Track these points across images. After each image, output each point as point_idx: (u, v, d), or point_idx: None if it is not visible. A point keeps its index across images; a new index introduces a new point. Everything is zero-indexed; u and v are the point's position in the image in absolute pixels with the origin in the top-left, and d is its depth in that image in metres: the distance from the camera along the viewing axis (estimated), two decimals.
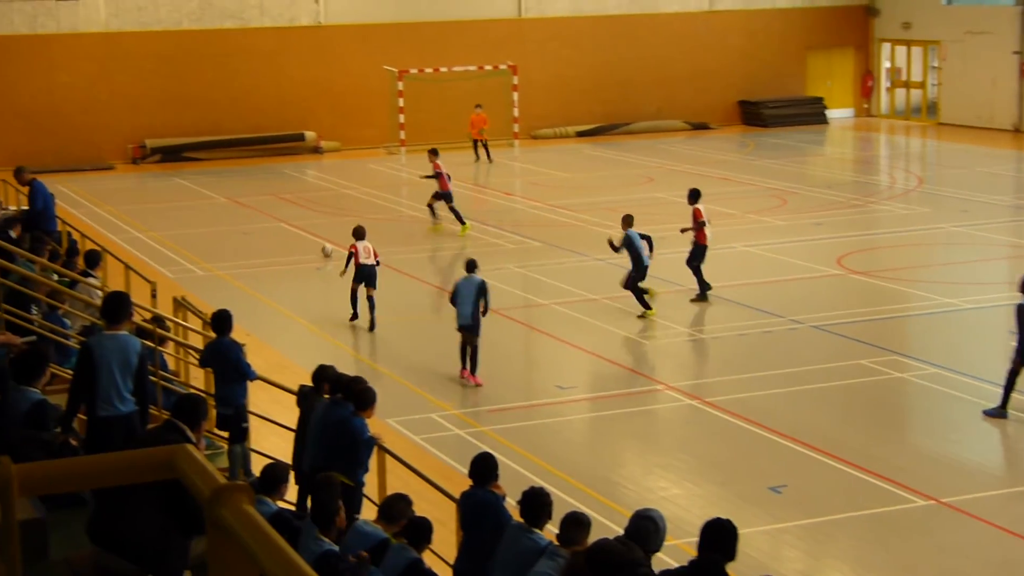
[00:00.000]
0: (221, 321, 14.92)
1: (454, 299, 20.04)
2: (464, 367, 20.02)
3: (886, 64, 52.36)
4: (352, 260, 23.04)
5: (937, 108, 49.93)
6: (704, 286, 24.19)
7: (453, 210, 30.60)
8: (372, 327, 22.92)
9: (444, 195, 30.65)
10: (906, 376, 19.86)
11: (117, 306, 11.22)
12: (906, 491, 15.45)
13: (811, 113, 50.58)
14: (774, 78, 50.89)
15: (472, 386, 19.75)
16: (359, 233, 23.37)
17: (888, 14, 51.35)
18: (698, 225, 24.10)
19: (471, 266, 20.25)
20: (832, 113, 51.25)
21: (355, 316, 23.36)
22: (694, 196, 24.50)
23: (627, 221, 23.38)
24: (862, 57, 52.38)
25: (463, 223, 30.57)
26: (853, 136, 48.50)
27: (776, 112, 49.93)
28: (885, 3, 51.46)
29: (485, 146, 42.42)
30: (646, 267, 22.98)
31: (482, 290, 19.85)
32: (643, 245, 23.12)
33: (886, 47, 52.06)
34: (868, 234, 30.78)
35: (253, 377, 14.91)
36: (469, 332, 19.85)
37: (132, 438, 10.49)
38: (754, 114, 50.24)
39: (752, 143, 45.98)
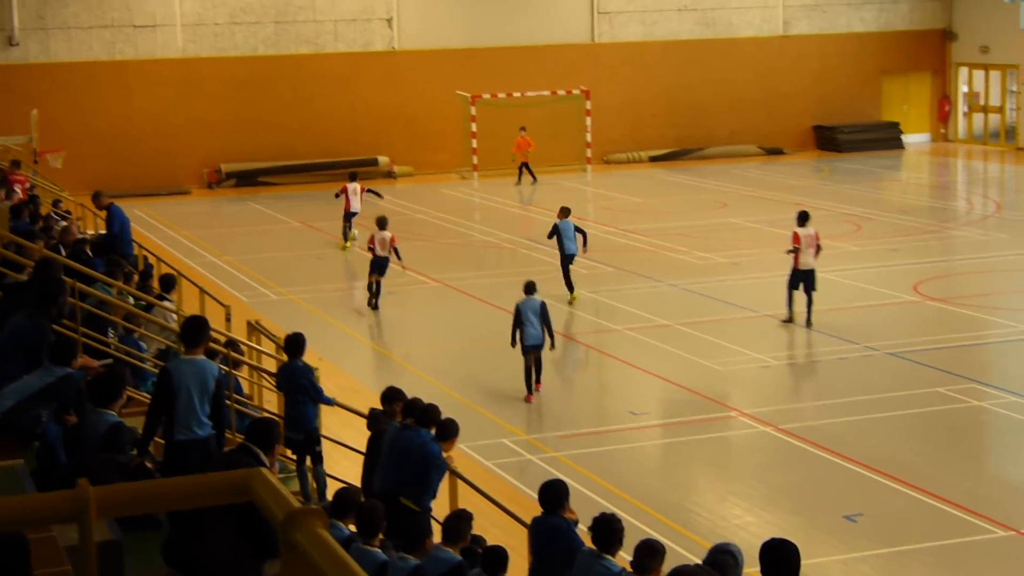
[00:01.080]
0: (293, 344, 14.97)
1: (517, 320, 20.37)
2: (530, 392, 20.29)
3: (963, 88, 51.88)
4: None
5: (1016, 133, 49.40)
6: (791, 311, 24.17)
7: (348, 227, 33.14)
8: (376, 307, 25.96)
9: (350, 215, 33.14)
10: (984, 404, 19.61)
11: (196, 330, 11.30)
12: (985, 521, 15.23)
13: (887, 138, 50.21)
14: (849, 103, 50.60)
15: (535, 395, 20.28)
16: (381, 223, 25.98)
17: (966, 38, 50.91)
18: (791, 250, 24.13)
19: (530, 288, 20.75)
20: (908, 138, 50.85)
21: (374, 304, 26.02)
22: (800, 219, 24.41)
23: (563, 212, 26.06)
24: (939, 81, 51.96)
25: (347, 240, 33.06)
26: (929, 161, 48.07)
27: (851, 137, 49.61)
28: (963, 27, 51.04)
29: (529, 168, 42.57)
30: (570, 255, 25.66)
31: (544, 310, 20.28)
32: (575, 236, 25.91)
33: (963, 71, 51.61)
34: (945, 260, 30.46)
35: (326, 401, 14.94)
36: (538, 351, 20.25)
37: (208, 461, 10.55)
38: (829, 139, 49.95)
39: (827, 168, 45.70)
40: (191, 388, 10.90)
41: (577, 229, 25.95)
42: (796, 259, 24.01)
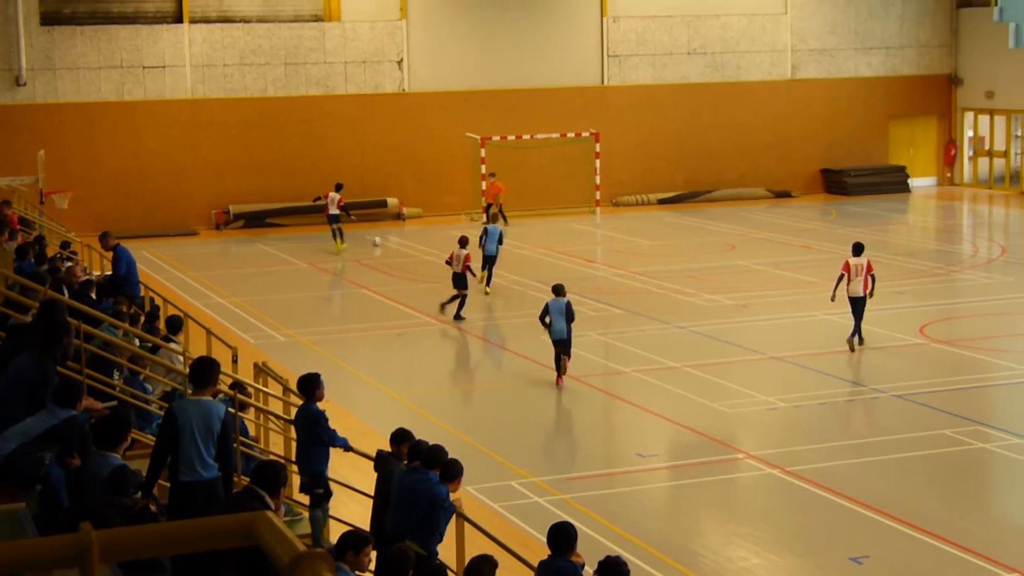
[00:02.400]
0: (305, 385, 14.86)
1: (544, 317, 23.20)
2: (560, 376, 23.23)
3: (969, 133, 51.99)
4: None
5: (1020, 177, 49.51)
6: (853, 335, 25.36)
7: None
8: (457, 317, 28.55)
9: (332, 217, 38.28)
10: (990, 447, 19.57)
11: (203, 371, 11.30)
12: (991, 563, 15.17)
13: (894, 182, 50.30)
14: (857, 147, 50.73)
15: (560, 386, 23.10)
16: (463, 242, 28.71)
17: (971, 83, 51.09)
18: (840, 277, 25.57)
19: (559, 290, 23.59)
20: (915, 182, 50.94)
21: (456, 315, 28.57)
22: (855, 249, 25.81)
23: (493, 219, 30.35)
24: (945, 126, 52.09)
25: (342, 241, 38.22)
26: (936, 205, 48.11)
27: (859, 180, 49.70)
28: (968, 72, 51.21)
29: (501, 212, 42.04)
30: (489, 256, 29.44)
31: (570, 308, 23.25)
32: (496, 239, 31.00)
33: (969, 116, 51.74)
34: (951, 303, 30.44)
35: (340, 443, 14.85)
36: (564, 345, 23.14)
37: (213, 504, 10.52)
38: (836, 182, 50.02)
39: (834, 211, 45.74)
40: (195, 429, 10.89)
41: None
42: (847, 287, 25.33)
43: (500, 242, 31.13)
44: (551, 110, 47.01)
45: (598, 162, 46.46)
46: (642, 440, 20.58)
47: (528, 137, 46.04)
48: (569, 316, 23.14)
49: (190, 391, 11.56)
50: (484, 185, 43.47)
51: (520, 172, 46.27)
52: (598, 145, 46.43)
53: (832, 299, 25.96)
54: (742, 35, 49.35)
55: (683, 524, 17.06)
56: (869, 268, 25.42)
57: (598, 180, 46.55)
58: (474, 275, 29.27)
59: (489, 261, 30.88)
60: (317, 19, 45.35)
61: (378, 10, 45.60)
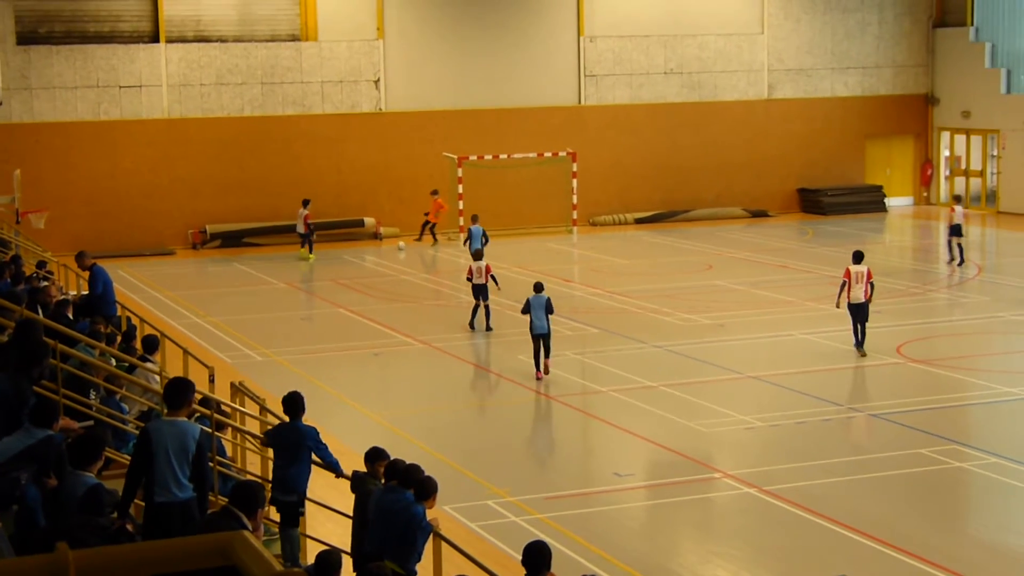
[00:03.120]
0: (292, 404, 14.81)
1: (526, 311, 25.23)
2: (539, 369, 24.92)
3: (945, 152, 52.27)
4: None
5: (996, 197, 49.73)
6: (856, 340, 26.66)
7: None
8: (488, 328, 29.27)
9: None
10: (966, 466, 19.63)
11: (178, 392, 11.27)
12: None
13: (870, 201, 50.52)
14: (833, 166, 50.94)
15: (542, 377, 24.84)
16: (477, 255, 29.74)
17: (947, 103, 51.38)
18: (843, 285, 26.84)
19: (539, 287, 25.57)
20: (891, 201, 51.17)
21: (487, 326, 29.24)
22: (855, 257, 27.19)
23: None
24: (921, 146, 52.35)
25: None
26: (912, 224, 48.30)
27: (835, 200, 49.89)
28: (945, 92, 51.50)
29: (432, 230, 43.66)
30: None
31: (550, 303, 25.15)
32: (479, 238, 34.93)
33: (946, 135, 52.02)
34: (927, 322, 30.54)
35: (332, 462, 14.82)
36: (546, 339, 24.96)
37: (188, 525, 10.48)
38: (813, 202, 50.20)
39: (811, 231, 45.89)
40: (170, 450, 10.85)
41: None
42: (848, 294, 26.57)
43: (485, 240, 32.43)
44: (528, 129, 47.09)
45: (575, 181, 46.54)
46: (619, 459, 20.58)
47: (505, 156, 46.10)
48: (549, 310, 25.03)
49: (165, 411, 11.52)
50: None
51: (497, 191, 46.33)
52: (575, 164, 46.51)
53: (837, 306, 27.13)
54: (719, 55, 49.53)
55: (660, 543, 17.06)
56: (869, 275, 26.59)
57: (575, 199, 46.62)
58: (497, 284, 29.99)
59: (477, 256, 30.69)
60: (294, 39, 45.37)
61: (355, 30, 45.65)
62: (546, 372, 25.02)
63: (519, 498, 18.41)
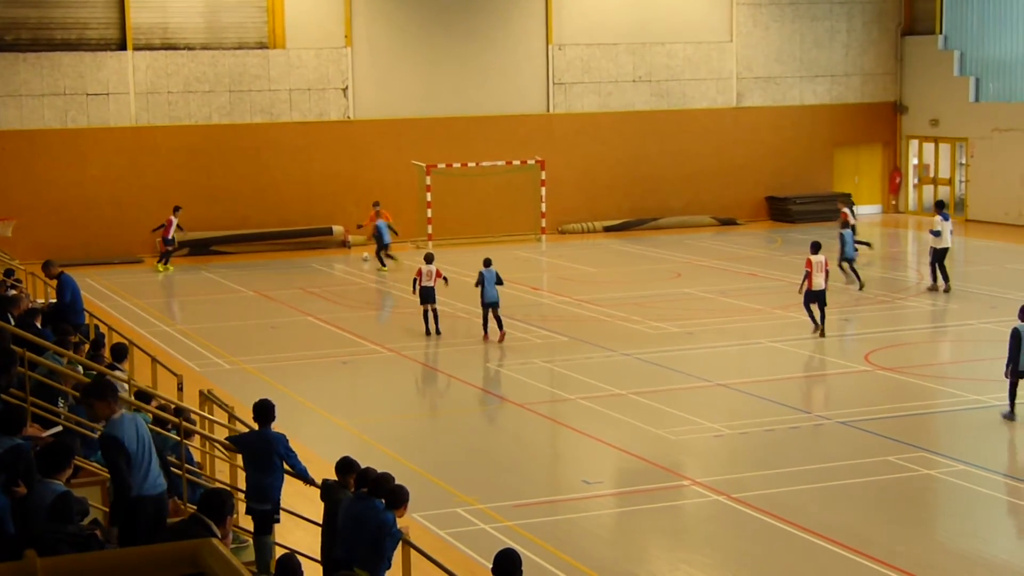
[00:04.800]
0: (263, 411, 14.80)
1: (480, 283, 28.78)
2: (486, 333, 28.89)
3: (914, 161, 52.51)
4: (417, 282, 29.93)
5: (965, 205, 49.98)
6: (814, 323, 28.84)
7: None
8: (438, 332, 29.79)
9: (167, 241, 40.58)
10: (934, 473, 19.71)
11: (107, 388, 11.46)
12: None
13: (838, 209, 50.59)
14: (802, 174, 51.13)
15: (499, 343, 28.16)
16: (428, 259, 30.11)
17: (916, 111, 51.64)
18: (806, 275, 28.88)
19: (489, 262, 29.30)
20: (860, 209, 51.21)
21: (437, 330, 29.69)
22: (812, 248, 29.51)
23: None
24: (890, 154, 52.60)
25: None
26: (881, 232, 48.48)
27: (804, 208, 50.06)
28: (913, 100, 51.77)
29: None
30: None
31: (498, 276, 28.84)
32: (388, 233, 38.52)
33: (914, 144, 52.27)
34: (896, 330, 30.67)
35: (302, 470, 14.84)
36: (495, 307, 28.84)
37: (161, 518, 10.60)
38: (782, 210, 50.37)
39: (780, 239, 46.05)
40: (137, 443, 11.06)
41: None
42: (810, 281, 28.71)
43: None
44: (496, 138, 47.13)
45: (543, 189, 46.59)
46: (588, 467, 20.61)
47: (474, 165, 46.11)
48: (498, 282, 28.83)
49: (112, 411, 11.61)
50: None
51: (466, 199, 46.36)
52: (543, 172, 46.56)
53: (799, 291, 29.36)
54: (687, 63, 49.68)
55: (629, 551, 17.08)
56: (826, 264, 29.09)
57: (544, 207, 46.66)
58: (446, 282, 30.29)
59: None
60: (262, 46, 45.30)
61: (323, 37, 45.61)
62: (501, 340, 28.64)
63: (488, 505, 18.41)
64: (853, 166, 52.32)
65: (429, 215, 45.06)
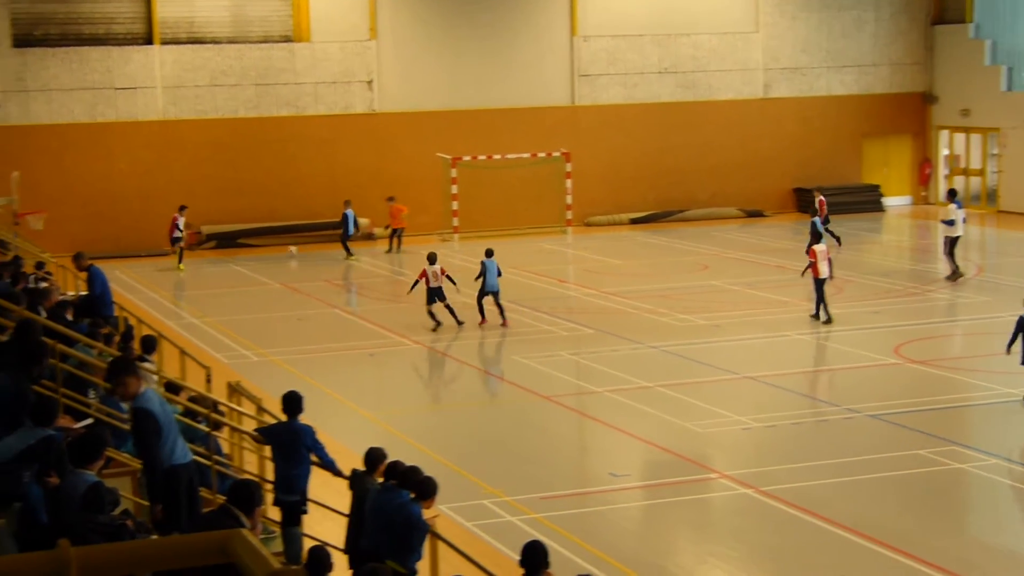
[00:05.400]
0: (292, 403, 14.86)
1: (481, 274, 29.52)
2: (484, 318, 29.71)
3: (944, 151, 52.17)
4: (418, 284, 30.07)
5: (996, 195, 49.66)
6: (820, 314, 29.52)
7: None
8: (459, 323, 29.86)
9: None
10: (966, 467, 19.61)
11: (126, 367, 11.61)
12: None
13: (867, 201, 50.44)
14: (829, 166, 50.90)
15: (500, 326, 29.29)
16: (431, 259, 29.85)
17: (946, 101, 51.33)
18: (809, 264, 29.83)
19: (490, 252, 30.22)
20: (889, 201, 51.10)
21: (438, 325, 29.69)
22: (815, 237, 32.03)
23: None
24: (920, 144, 52.30)
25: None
26: (910, 224, 48.31)
27: (832, 200, 49.73)
28: (943, 90, 51.47)
29: (399, 236, 42.61)
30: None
31: (498, 266, 29.67)
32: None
33: (944, 134, 51.93)
34: (926, 323, 30.50)
35: (329, 461, 14.88)
36: (496, 296, 29.62)
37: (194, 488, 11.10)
38: (809, 202, 49.93)
39: (806, 231, 45.82)
40: (164, 415, 11.38)
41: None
42: (815, 270, 29.45)
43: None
44: (522, 130, 47.08)
45: (569, 182, 46.53)
46: (615, 460, 20.58)
47: (499, 157, 46.10)
48: (498, 272, 29.75)
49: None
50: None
51: (491, 192, 46.33)
52: (569, 165, 46.51)
53: (802, 275, 31.15)
54: (713, 54, 49.53)
55: (656, 543, 17.06)
56: (828, 252, 30.15)
57: (569, 200, 46.61)
58: (454, 283, 30.31)
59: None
60: (287, 40, 45.35)
61: (348, 30, 45.64)
62: (504, 325, 29.57)
63: (515, 498, 18.41)
64: (882, 157, 52.07)
65: (455, 208, 45.07)
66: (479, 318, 29.79)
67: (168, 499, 11.35)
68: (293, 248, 42.37)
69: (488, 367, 26.70)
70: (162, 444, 11.31)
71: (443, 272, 29.76)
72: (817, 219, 36.06)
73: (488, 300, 29.77)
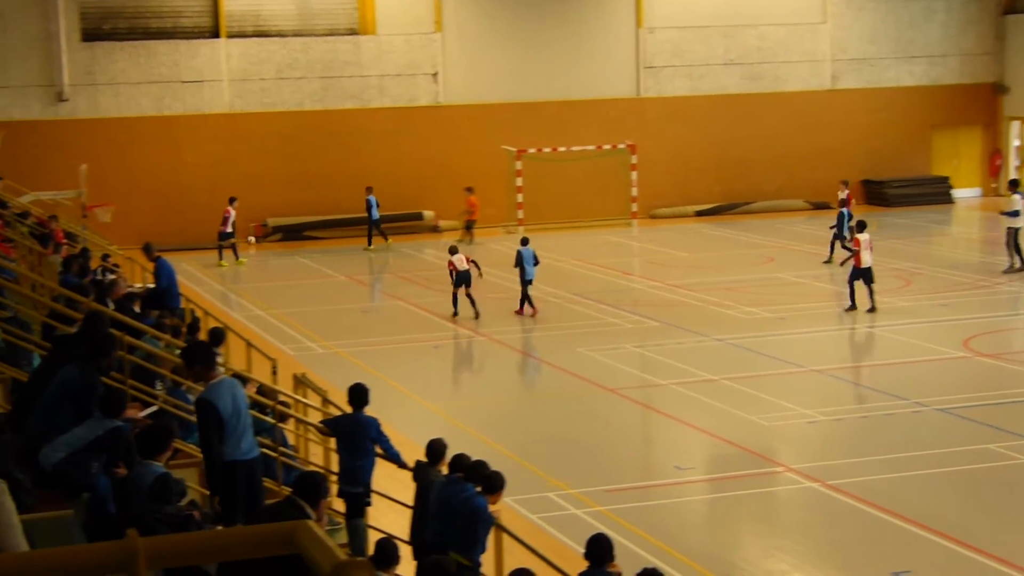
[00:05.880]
0: (357, 395, 14.92)
1: (519, 264, 29.83)
2: (522, 307, 29.98)
3: (1015, 142, 51.52)
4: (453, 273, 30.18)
5: None
6: (851, 302, 29.65)
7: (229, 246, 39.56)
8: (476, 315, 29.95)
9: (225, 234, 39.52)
10: None
11: (204, 355, 11.65)
12: None
13: (936, 192, 49.97)
14: (898, 157, 50.47)
15: (529, 316, 29.85)
16: (452, 250, 30.60)
17: (1017, 91, 50.71)
18: (853, 253, 30.13)
19: (526, 240, 30.90)
20: (958, 192, 50.62)
21: (476, 314, 29.96)
22: (859, 227, 30.42)
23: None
24: (990, 135, 51.73)
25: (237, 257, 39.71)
26: (980, 216, 47.82)
27: (900, 192, 49.45)
28: (1015, 80, 50.86)
29: (470, 227, 42.96)
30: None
31: (535, 255, 30.22)
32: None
33: (1015, 125, 51.29)
34: (996, 316, 30.17)
35: (394, 454, 14.95)
36: (531, 284, 29.98)
37: (256, 483, 11.19)
38: (877, 194, 49.79)
39: (876, 223, 45.53)
40: (232, 409, 11.37)
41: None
42: (858, 259, 29.48)
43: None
44: (587, 122, 47.00)
45: (634, 174, 46.42)
46: (680, 452, 20.53)
47: (564, 149, 46.05)
48: (536, 261, 30.21)
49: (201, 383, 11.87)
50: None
51: (556, 184, 46.29)
52: (634, 157, 46.39)
53: (841, 264, 32.09)
54: (780, 45, 49.23)
55: (722, 537, 16.99)
56: (871, 242, 29.96)
57: (634, 192, 46.51)
58: (479, 269, 31.02)
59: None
60: (352, 32, 45.51)
61: (413, 23, 45.73)
62: (534, 315, 29.99)
63: (579, 490, 18.39)
64: (951, 148, 51.56)
65: (519, 200, 45.08)
66: (530, 310, 30.16)
67: (225, 493, 11.39)
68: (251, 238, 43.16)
69: (553, 360, 26.62)
70: (225, 437, 11.34)
71: (468, 259, 30.36)
72: (846, 209, 36.15)
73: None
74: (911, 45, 50.58)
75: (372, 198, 41.68)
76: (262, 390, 16.30)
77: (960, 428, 21.00)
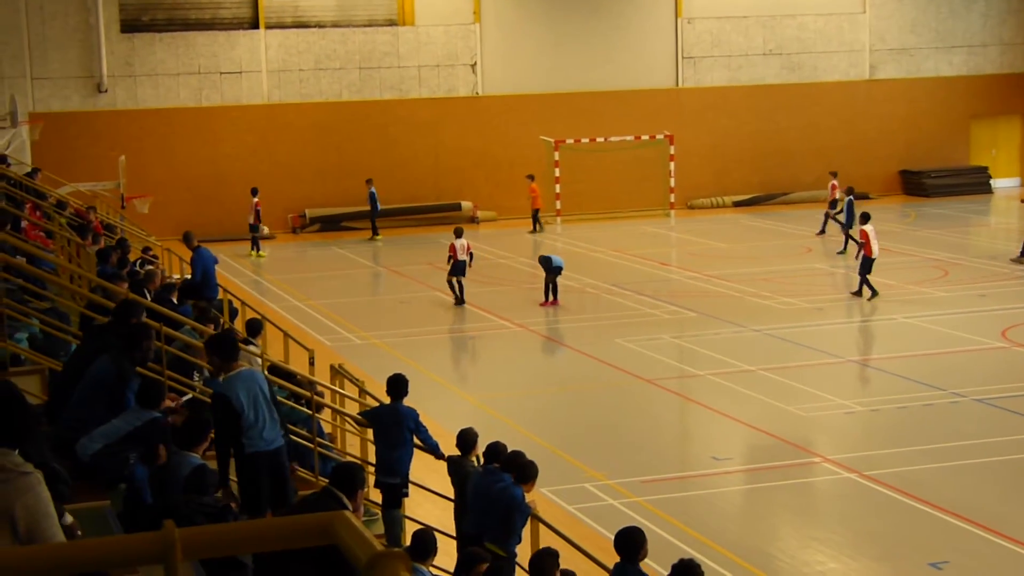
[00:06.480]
0: (396, 386, 14.93)
1: (545, 261, 30.07)
2: (547, 299, 30.13)
3: None
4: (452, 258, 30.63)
5: None
6: (871, 291, 29.91)
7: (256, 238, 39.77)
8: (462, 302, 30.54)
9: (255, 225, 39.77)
10: None
11: (232, 345, 11.65)
12: None
13: (975, 183, 49.70)
14: (937, 147, 50.20)
15: (552, 309, 29.93)
16: (458, 232, 31.00)
17: None
18: (862, 244, 30.11)
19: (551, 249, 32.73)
20: (997, 183, 50.32)
21: (462, 301, 30.50)
22: (863, 219, 30.74)
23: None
24: None
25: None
26: (1019, 206, 47.50)
27: (938, 182, 49.19)
28: None
29: (536, 216, 43.12)
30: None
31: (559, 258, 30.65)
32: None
33: None
34: None
35: (433, 445, 14.98)
36: (558, 275, 30.17)
37: (279, 473, 11.24)
38: (916, 184, 49.54)
39: (914, 213, 45.32)
40: (249, 401, 11.36)
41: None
42: (868, 249, 29.75)
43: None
44: (625, 112, 46.93)
45: (672, 164, 46.34)
46: (717, 443, 20.50)
47: (602, 140, 46.00)
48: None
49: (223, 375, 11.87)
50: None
51: (594, 175, 46.25)
52: (672, 147, 46.31)
53: (856, 258, 30.90)
54: (818, 35, 49.03)
55: (759, 528, 16.97)
56: (875, 233, 30.24)
57: (672, 183, 46.43)
58: (471, 259, 31.24)
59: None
60: (391, 23, 45.56)
61: (451, 14, 45.75)
62: (556, 305, 30.23)
63: (616, 481, 18.40)
64: (990, 139, 51.25)
65: (557, 190, 45.06)
66: (552, 299, 30.46)
67: (247, 486, 11.40)
68: (264, 229, 42.13)
69: (589, 350, 26.61)
70: (244, 430, 11.31)
71: (468, 248, 30.74)
72: (851, 198, 36.20)
73: (547, 278, 30.46)
74: (950, 35, 50.28)
75: (374, 191, 42.08)
76: (297, 380, 16.33)
77: (998, 418, 20.90)
